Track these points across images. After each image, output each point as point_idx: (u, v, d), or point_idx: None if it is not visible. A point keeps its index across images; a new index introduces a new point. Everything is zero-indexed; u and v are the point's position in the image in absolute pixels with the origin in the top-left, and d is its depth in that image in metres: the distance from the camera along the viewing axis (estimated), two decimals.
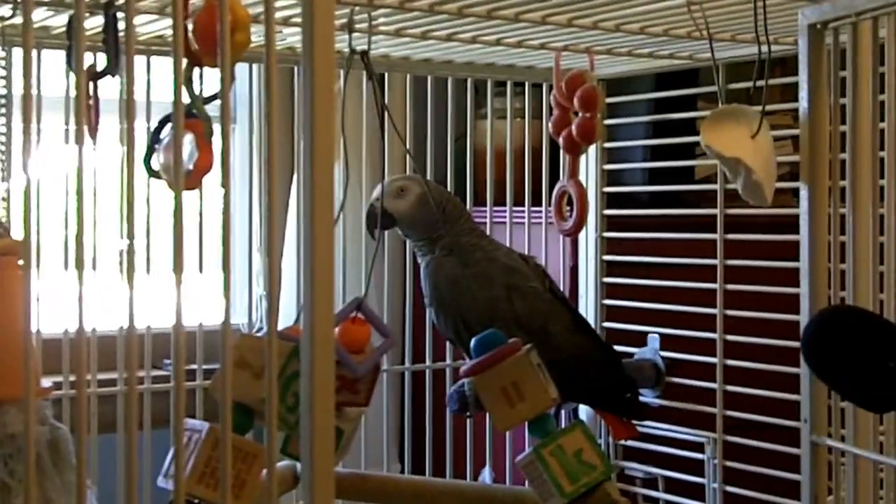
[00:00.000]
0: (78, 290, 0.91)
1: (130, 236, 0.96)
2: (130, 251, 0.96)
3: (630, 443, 2.16)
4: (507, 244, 2.11)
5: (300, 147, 1.09)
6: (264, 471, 1.57)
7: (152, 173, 1.39)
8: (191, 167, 1.38)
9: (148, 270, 1.84)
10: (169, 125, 1.43)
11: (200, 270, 1.77)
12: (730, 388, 1.98)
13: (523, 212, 2.22)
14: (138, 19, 1.61)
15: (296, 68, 1.94)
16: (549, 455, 1.47)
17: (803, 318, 1.42)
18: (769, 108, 1.76)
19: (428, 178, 2.13)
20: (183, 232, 0.98)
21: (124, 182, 0.95)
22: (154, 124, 1.38)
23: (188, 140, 1.41)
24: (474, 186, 2.21)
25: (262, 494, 1.50)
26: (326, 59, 0.99)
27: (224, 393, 1.01)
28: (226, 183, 1.00)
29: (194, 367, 1.91)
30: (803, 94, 1.43)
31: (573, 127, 1.82)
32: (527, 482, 1.51)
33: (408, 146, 1.91)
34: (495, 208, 2.21)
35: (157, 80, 1.81)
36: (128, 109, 0.94)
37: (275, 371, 1.02)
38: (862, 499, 1.42)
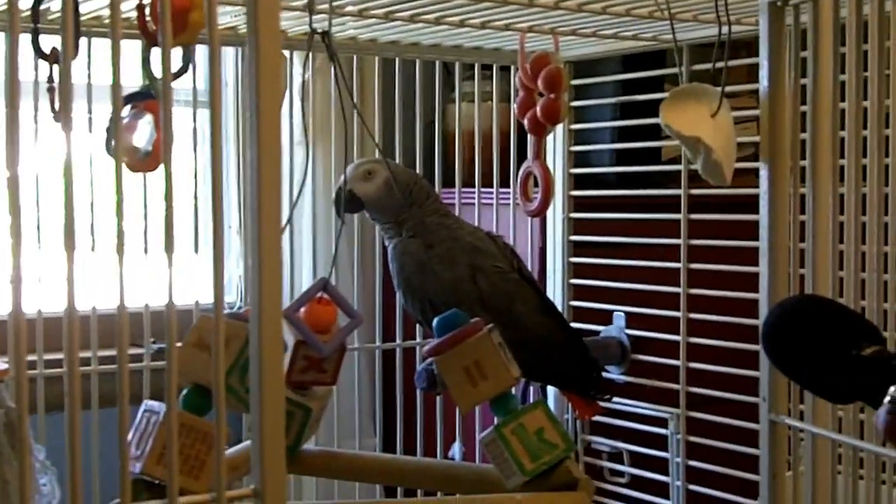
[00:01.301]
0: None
1: (68, 217, 0.89)
2: (69, 231, 0.89)
3: (596, 418, 2.10)
4: (474, 226, 2.05)
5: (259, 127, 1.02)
6: (226, 452, 1.54)
7: (113, 156, 1.33)
8: (150, 148, 1.32)
9: (93, 248, 1.75)
10: (128, 107, 1.37)
11: (144, 251, 1.72)
12: (693, 364, 1.94)
13: (492, 193, 2.17)
14: (97, 2, 1.54)
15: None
16: (511, 433, 1.43)
17: (762, 297, 1.38)
18: (733, 88, 1.71)
19: (397, 160, 2.07)
20: (173, 213, 0.93)
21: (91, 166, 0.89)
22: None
23: (147, 121, 1.34)
24: (444, 168, 2.14)
25: (226, 476, 1.45)
26: (271, 39, 0.93)
27: (169, 374, 0.94)
28: (167, 168, 0.92)
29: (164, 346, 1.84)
30: (763, 73, 1.38)
31: (538, 108, 1.75)
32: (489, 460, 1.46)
33: (376, 129, 1.85)
34: (464, 190, 2.15)
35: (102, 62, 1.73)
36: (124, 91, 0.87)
37: (221, 351, 0.95)
38: (820, 476, 1.38)
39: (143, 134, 1.30)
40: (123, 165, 0.99)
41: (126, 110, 1.34)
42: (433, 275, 1.74)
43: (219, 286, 0.95)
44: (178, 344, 1.36)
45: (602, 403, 1.85)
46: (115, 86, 0.93)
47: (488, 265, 1.77)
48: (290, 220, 1.94)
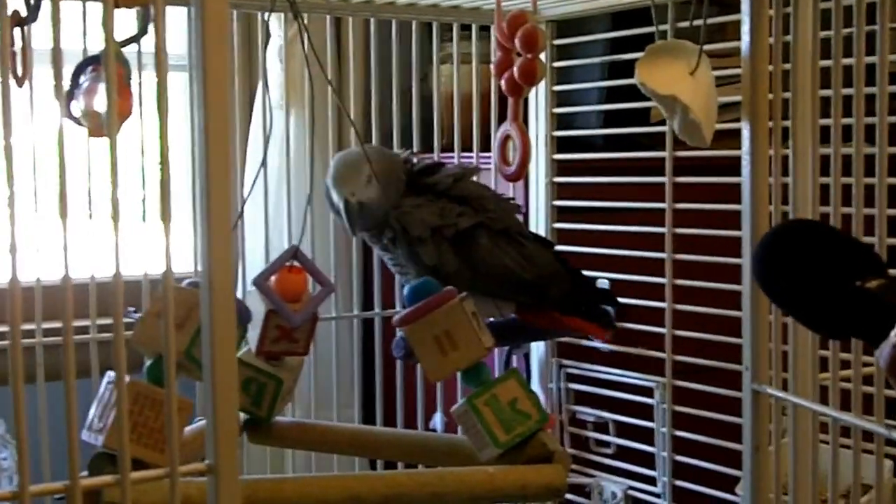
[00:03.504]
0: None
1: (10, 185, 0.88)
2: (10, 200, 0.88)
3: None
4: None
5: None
6: (191, 426, 1.54)
7: (72, 119, 1.32)
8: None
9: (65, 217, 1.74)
10: (88, 70, 1.36)
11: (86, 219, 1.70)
12: (679, 332, 1.92)
13: (472, 158, 2.16)
14: None
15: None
16: (483, 405, 1.43)
17: (745, 262, 1.36)
18: (721, 46, 1.70)
19: (373, 126, 2.06)
20: (169, 180, 0.93)
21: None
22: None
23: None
24: (423, 133, 2.12)
25: (193, 450, 1.45)
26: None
27: (117, 348, 0.93)
28: (112, 135, 0.91)
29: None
30: (745, 29, 1.36)
31: (515, 68, 1.73)
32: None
33: (351, 95, 1.82)
34: (443, 154, 2.13)
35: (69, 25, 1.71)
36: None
37: (171, 318, 0.95)
38: (802, 447, 1.37)
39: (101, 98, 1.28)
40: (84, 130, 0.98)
41: (87, 73, 1.33)
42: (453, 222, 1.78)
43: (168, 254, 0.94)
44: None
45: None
46: (56, 50, 0.92)
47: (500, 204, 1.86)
48: (254, 185, 1.93)
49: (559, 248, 2.07)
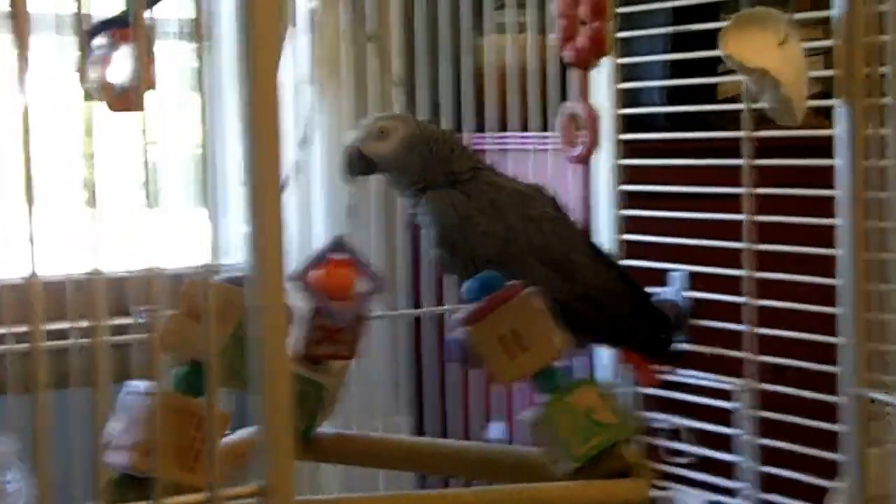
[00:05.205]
0: None
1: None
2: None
3: (652, 391, 2.04)
4: (512, 174, 1.96)
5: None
6: (225, 440, 1.46)
7: (86, 93, 1.24)
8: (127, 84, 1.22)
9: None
10: (101, 36, 1.27)
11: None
12: (761, 330, 1.84)
13: (530, 138, 2.09)
14: None
15: None
16: (558, 413, 1.37)
17: (841, 254, 1.30)
18: (799, 16, 1.63)
19: (420, 103, 1.99)
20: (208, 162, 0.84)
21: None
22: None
23: (126, 53, 1.25)
24: (474, 111, 2.05)
25: (229, 466, 1.37)
26: None
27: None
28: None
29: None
30: None
31: (580, 38, 1.65)
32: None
33: (394, 69, 1.75)
34: (498, 135, 2.05)
35: None
36: None
37: (213, 322, 0.87)
38: None
39: (120, 68, 1.20)
40: (125, 105, 0.91)
41: (98, 41, 1.25)
42: (478, 227, 1.65)
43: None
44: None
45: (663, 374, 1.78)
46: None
47: (539, 212, 1.69)
48: (298, 170, 1.86)
49: (626, 237, 2.00)
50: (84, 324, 1.72)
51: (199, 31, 0.85)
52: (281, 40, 2.05)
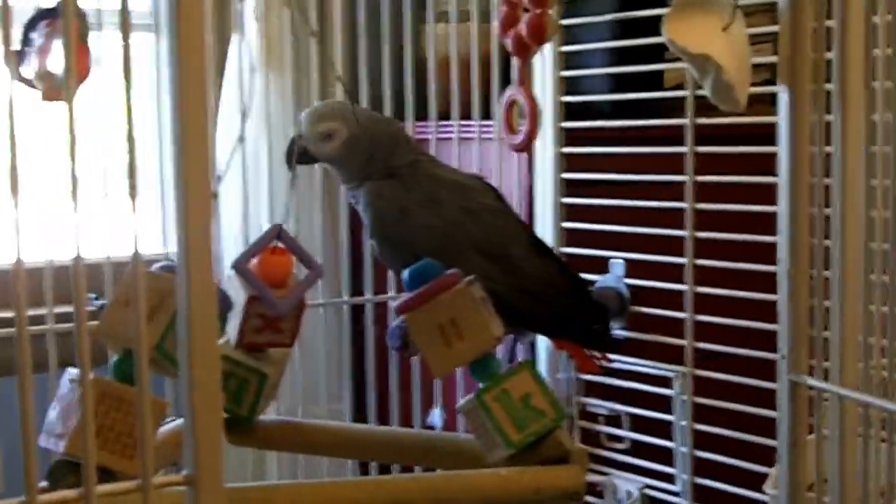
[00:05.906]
0: None
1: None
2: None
3: (592, 378, 2.06)
4: (455, 164, 1.96)
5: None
6: (165, 427, 1.46)
7: (24, 81, 1.24)
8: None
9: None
10: (41, 25, 1.27)
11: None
12: (700, 317, 1.86)
13: (472, 126, 2.08)
14: None
15: None
16: (493, 401, 1.37)
17: (781, 241, 1.30)
18: (744, 2, 1.63)
19: (363, 91, 1.98)
20: (135, 150, 0.85)
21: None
22: None
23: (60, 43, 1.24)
24: (416, 100, 2.04)
25: (166, 454, 1.37)
26: None
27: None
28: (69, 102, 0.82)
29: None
30: None
31: (522, 25, 1.66)
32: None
33: (336, 58, 1.74)
34: (441, 123, 2.05)
35: None
36: None
37: (143, 308, 0.87)
38: (849, 443, 1.31)
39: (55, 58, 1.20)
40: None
41: (40, 29, 1.25)
42: (416, 220, 1.66)
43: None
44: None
45: (603, 363, 1.79)
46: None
47: (478, 204, 1.69)
48: (231, 157, 1.85)
49: (568, 224, 2.00)
50: (31, 312, 1.73)
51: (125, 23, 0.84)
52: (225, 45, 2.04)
